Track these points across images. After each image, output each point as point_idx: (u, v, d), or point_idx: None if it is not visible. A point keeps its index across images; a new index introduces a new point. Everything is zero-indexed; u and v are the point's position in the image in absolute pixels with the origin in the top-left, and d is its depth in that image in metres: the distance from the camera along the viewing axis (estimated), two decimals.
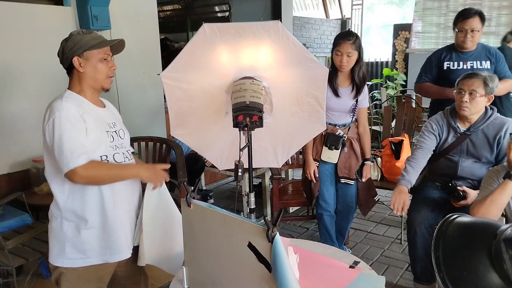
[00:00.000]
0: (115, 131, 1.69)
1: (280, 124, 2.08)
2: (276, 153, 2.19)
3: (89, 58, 1.60)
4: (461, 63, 2.94)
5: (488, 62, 2.92)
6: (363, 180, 2.78)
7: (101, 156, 1.59)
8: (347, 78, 2.66)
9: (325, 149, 2.71)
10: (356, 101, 2.69)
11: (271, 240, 1.08)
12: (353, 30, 9.18)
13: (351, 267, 1.52)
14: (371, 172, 2.99)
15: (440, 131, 2.49)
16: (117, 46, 1.68)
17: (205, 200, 4.29)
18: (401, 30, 7.78)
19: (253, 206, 1.94)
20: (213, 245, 1.27)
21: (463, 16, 2.86)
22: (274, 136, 2.13)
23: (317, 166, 2.75)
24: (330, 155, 2.71)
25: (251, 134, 1.84)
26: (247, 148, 1.83)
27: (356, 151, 2.75)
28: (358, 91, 2.66)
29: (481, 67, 2.91)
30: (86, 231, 1.59)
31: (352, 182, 2.78)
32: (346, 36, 2.53)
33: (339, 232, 2.94)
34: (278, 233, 1.08)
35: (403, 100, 4.94)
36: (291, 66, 1.95)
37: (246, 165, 1.86)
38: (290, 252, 1.38)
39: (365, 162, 2.80)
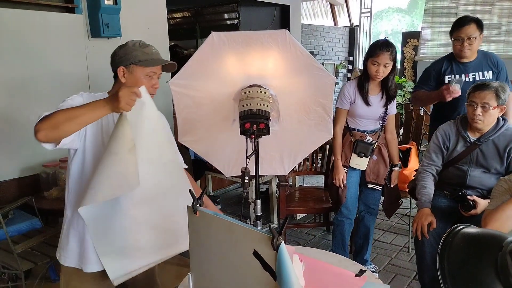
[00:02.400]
0: None
1: (287, 131, 2.09)
2: (283, 160, 2.20)
3: (134, 72, 1.57)
4: (462, 75, 2.83)
5: (490, 72, 2.81)
6: (392, 185, 2.78)
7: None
8: (377, 85, 2.64)
9: (354, 156, 2.69)
10: (386, 108, 2.68)
11: (276, 248, 1.08)
12: (362, 37, 9.22)
13: (357, 275, 1.52)
14: None
15: (447, 141, 2.48)
16: (168, 65, 1.64)
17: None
18: (410, 38, 7.77)
19: (259, 213, 1.95)
20: (219, 253, 1.28)
21: (459, 24, 2.74)
22: (281, 144, 2.14)
23: (346, 172, 2.73)
24: (359, 162, 2.70)
25: (258, 141, 1.86)
26: (254, 155, 1.85)
27: (385, 157, 2.74)
28: (388, 99, 2.65)
29: (483, 78, 2.81)
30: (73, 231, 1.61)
31: (379, 188, 2.77)
32: (384, 47, 2.47)
33: (364, 237, 2.92)
34: (283, 241, 1.09)
35: (411, 108, 4.92)
36: (299, 74, 1.97)
37: (253, 172, 1.87)
38: (295, 260, 1.38)
39: (393, 168, 2.79)
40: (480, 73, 2.82)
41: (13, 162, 3.03)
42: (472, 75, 2.83)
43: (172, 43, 5.89)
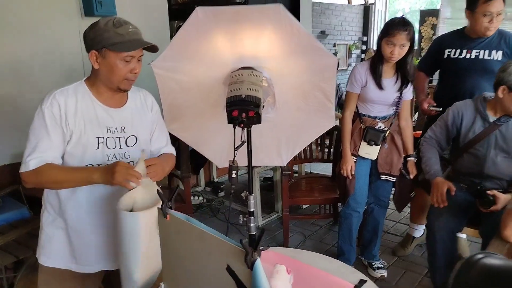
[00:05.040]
0: (118, 137, 1.47)
1: (284, 119, 1.89)
2: (280, 151, 2.00)
3: (107, 57, 1.38)
4: (464, 51, 2.58)
5: (500, 53, 2.53)
6: (411, 176, 2.57)
7: (87, 165, 1.43)
8: (392, 68, 2.41)
9: (363, 144, 2.48)
10: (401, 93, 2.45)
11: (250, 266, 0.91)
12: (377, 16, 8.81)
13: (356, 286, 1.33)
14: None
15: (458, 120, 2.26)
16: (151, 46, 1.44)
17: (216, 193, 4.15)
18: (428, 16, 7.37)
19: (252, 209, 1.76)
20: (191, 263, 1.11)
21: None
22: (277, 132, 1.94)
23: (354, 162, 2.53)
24: (369, 151, 2.50)
25: (250, 130, 1.66)
26: (246, 146, 1.66)
27: (398, 146, 2.53)
28: (403, 83, 2.42)
29: (488, 57, 2.54)
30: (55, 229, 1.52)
31: (393, 179, 2.57)
32: (401, 26, 2.23)
33: (373, 231, 2.75)
34: (259, 258, 0.90)
35: (427, 91, 4.62)
36: (296, 55, 1.75)
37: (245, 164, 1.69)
38: (281, 273, 1.20)
39: (408, 159, 2.57)
40: (487, 51, 2.55)
41: (4, 148, 2.90)
42: (476, 52, 2.56)
43: (181, 23, 5.64)
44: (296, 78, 1.82)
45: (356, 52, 8.51)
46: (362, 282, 1.37)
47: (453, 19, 6.84)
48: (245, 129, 1.65)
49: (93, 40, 1.38)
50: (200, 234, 1.04)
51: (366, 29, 8.68)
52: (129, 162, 1.49)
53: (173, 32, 4.02)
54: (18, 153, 2.92)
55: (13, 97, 2.85)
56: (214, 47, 1.74)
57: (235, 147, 1.54)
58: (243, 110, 1.53)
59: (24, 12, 2.86)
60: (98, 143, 1.43)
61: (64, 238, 1.53)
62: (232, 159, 1.54)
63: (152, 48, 1.45)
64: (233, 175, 1.54)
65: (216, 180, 4.45)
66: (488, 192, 2.09)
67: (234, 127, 1.56)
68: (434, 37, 7.20)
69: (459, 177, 2.37)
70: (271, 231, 3.41)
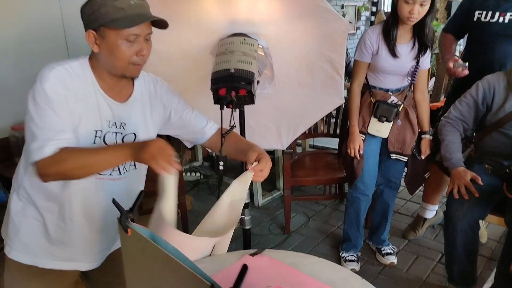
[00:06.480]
0: (115, 133, 1.25)
1: (285, 96, 1.62)
2: (280, 132, 1.74)
3: (106, 36, 1.13)
4: (496, 14, 2.25)
5: None
6: (423, 157, 2.32)
7: None
8: (409, 32, 2.11)
9: (373, 120, 2.21)
10: (417, 62, 2.16)
11: None
12: None
13: None
14: None
15: (490, 97, 2.00)
16: (159, 21, 1.19)
17: (214, 168, 3.91)
18: None
19: (248, 227, 1.50)
20: None
21: None
22: (276, 111, 1.67)
23: (363, 140, 2.27)
24: (380, 128, 2.23)
25: (243, 111, 1.39)
26: (238, 128, 1.39)
27: (412, 122, 2.26)
28: (421, 49, 2.13)
29: None
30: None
31: (405, 158, 2.33)
32: None
33: (383, 214, 2.52)
34: None
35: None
36: (299, 19, 1.47)
37: None
38: None
39: (422, 136, 2.31)
40: None
41: None
42: (511, 15, 2.23)
43: None
44: (299, 47, 1.54)
45: (365, 14, 8.02)
46: None
47: None
48: (237, 109, 1.38)
49: (89, 17, 1.12)
50: (166, 259, 0.79)
51: None
52: (130, 165, 1.29)
53: None
54: None
55: None
56: (200, 9, 1.46)
57: (223, 133, 1.27)
58: (232, 87, 1.26)
59: None
60: (95, 136, 1.20)
61: (37, 230, 1.32)
62: (220, 147, 1.28)
63: (162, 24, 1.18)
64: (221, 167, 1.28)
65: (214, 154, 4.21)
66: None
67: (221, 108, 1.29)
68: None
69: (484, 157, 2.11)
70: (272, 210, 3.20)
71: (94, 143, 1.19)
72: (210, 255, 1.20)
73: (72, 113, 1.15)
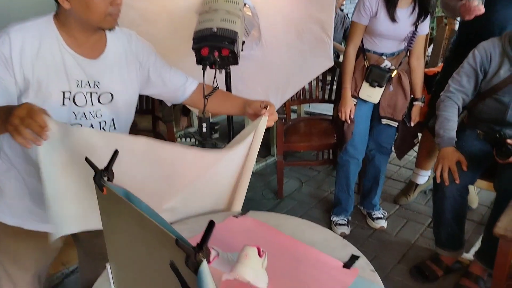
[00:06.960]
0: (89, 93, 1.20)
1: (272, 57, 1.58)
2: (268, 95, 1.71)
3: None
4: None
5: None
6: (412, 124, 2.32)
7: None
8: None
9: (365, 85, 2.19)
10: (416, 27, 2.11)
11: (194, 270, 0.66)
12: None
13: (345, 266, 1.11)
14: None
15: (487, 63, 1.94)
16: None
17: (209, 134, 3.91)
18: None
19: None
20: (132, 249, 0.88)
21: None
22: (264, 74, 1.64)
23: (354, 104, 2.25)
24: (371, 94, 2.20)
25: (229, 72, 1.36)
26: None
27: (405, 87, 2.24)
28: (421, 14, 2.08)
29: None
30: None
31: (395, 124, 2.32)
32: None
33: (374, 179, 2.53)
34: (205, 260, 0.66)
35: (444, 22, 4.18)
36: None
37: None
38: (250, 257, 0.97)
39: (414, 103, 2.30)
40: None
41: None
42: None
43: None
44: (286, 7, 1.49)
45: None
46: (354, 258, 1.14)
47: None
48: (222, 71, 1.35)
49: None
50: (140, 218, 0.79)
51: None
52: (100, 122, 1.22)
53: None
54: None
55: None
56: None
57: (206, 95, 1.24)
58: (215, 47, 1.22)
59: None
60: (64, 98, 1.15)
61: (20, 191, 1.30)
62: (203, 109, 1.26)
63: None
64: (204, 129, 1.26)
65: (211, 120, 4.18)
66: (509, 141, 1.85)
67: (204, 69, 1.26)
68: None
69: (477, 122, 2.09)
70: (265, 176, 3.21)
71: (64, 104, 1.15)
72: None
73: (26, 78, 1.09)
